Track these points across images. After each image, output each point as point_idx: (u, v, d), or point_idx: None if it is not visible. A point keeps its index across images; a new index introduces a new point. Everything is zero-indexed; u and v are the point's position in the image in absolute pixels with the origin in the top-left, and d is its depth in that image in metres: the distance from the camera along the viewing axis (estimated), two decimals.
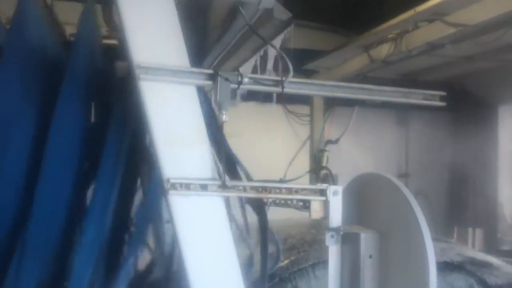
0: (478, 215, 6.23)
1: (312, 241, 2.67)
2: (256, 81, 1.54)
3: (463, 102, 5.94)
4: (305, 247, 2.62)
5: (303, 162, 5.56)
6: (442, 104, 1.70)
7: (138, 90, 1.47)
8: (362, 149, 6.11)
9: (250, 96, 4.20)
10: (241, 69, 2.43)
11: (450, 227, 6.38)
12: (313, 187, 1.60)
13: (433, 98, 1.72)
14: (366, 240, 1.50)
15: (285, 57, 1.59)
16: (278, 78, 1.55)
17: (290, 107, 5.90)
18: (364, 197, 1.66)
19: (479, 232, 6.24)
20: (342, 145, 5.89)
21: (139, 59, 1.47)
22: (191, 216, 1.49)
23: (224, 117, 1.50)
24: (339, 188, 1.58)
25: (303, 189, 1.59)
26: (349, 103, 5.51)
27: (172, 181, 1.46)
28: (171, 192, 1.46)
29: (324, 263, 2.23)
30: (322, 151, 5.25)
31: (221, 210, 1.51)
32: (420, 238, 1.34)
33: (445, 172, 6.65)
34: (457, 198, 6.51)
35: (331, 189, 1.57)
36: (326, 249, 1.61)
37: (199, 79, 1.51)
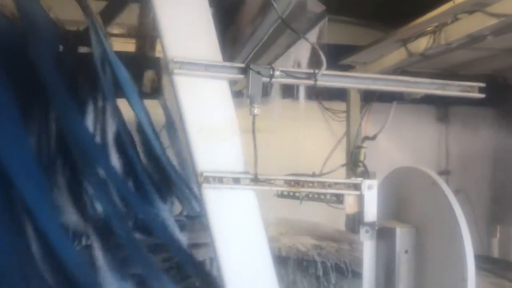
0: None
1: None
2: (288, 74, 1.54)
3: (506, 97, 5.72)
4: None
5: (340, 159, 5.49)
6: (481, 95, 1.65)
7: (172, 84, 1.50)
8: (400, 146, 5.98)
9: (286, 93, 4.18)
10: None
11: (493, 226, 6.16)
12: (347, 181, 1.58)
13: (471, 90, 1.67)
14: (402, 235, 1.47)
15: (318, 49, 1.58)
16: (311, 71, 1.54)
17: (326, 103, 5.84)
18: (401, 191, 1.62)
19: None
20: (380, 142, 5.76)
21: (173, 54, 1.49)
22: (224, 209, 1.51)
23: (256, 111, 1.50)
24: (374, 182, 1.55)
25: (336, 183, 1.57)
26: (387, 99, 5.40)
27: (205, 174, 1.48)
28: (204, 185, 1.48)
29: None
30: (359, 147, 5.17)
31: (253, 203, 1.52)
32: (458, 232, 1.30)
33: (488, 170, 6.43)
34: (501, 196, 6.28)
35: (365, 183, 1.55)
36: None
37: (231, 73, 1.52)
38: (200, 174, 1.47)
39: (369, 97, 5.46)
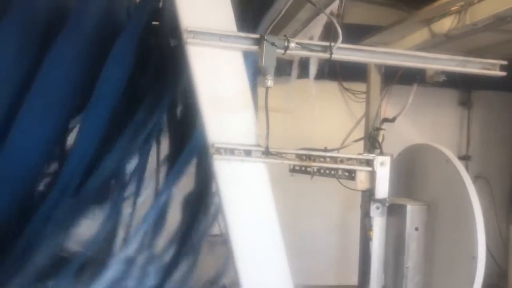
0: None
1: None
2: (304, 47, 1.51)
3: None
4: None
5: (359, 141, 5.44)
6: (502, 73, 1.60)
7: (185, 54, 1.49)
8: (420, 129, 5.89)
9: (305, 73, 4.14)
10: None
11: None
12: (360, 157, 1.57)
13: (492, 68, 1.62)
14: (413, 212, 1.46)
15: (335, 22, 1.55)
16: (327, 44, 1.51)
17: (346, 84, 5.77)
18: (414, 168, 1.60)
19: None
20: (400, 125, 5.65)
21: (188, 24, 1.48)
22: (234, 181, 1.51)
23: (269, 83, 1.49)
24: (387, 159, 1.53)
25: (348, 159, 1.56)
26: (408, 81, 5.32)
27: (217, 145, 1.48)
28: (215, 156, 1.48)
29: None
30: (378, 129, 5.11)
31: (264, 176, 1.52)
32: (470, 210, 1.27)
33: (509, 156, 6.31)
34: None
35: (378, 159, 1.53)
36: None
37: (245, 44, 1.50)
38: (212, 145, 1.47)
39: (390, 79, 5.38)
